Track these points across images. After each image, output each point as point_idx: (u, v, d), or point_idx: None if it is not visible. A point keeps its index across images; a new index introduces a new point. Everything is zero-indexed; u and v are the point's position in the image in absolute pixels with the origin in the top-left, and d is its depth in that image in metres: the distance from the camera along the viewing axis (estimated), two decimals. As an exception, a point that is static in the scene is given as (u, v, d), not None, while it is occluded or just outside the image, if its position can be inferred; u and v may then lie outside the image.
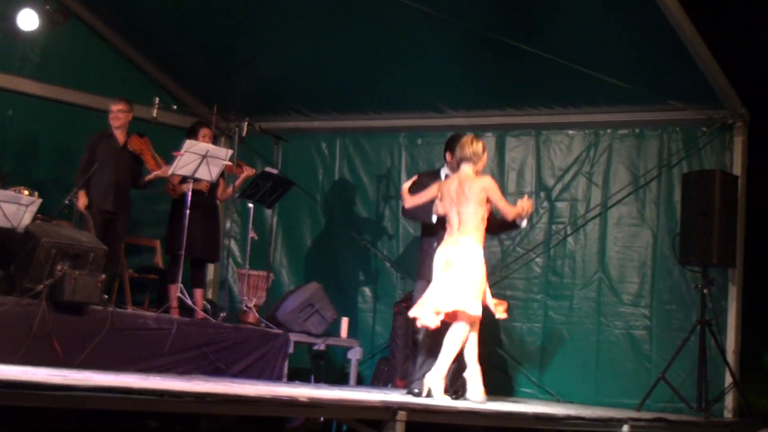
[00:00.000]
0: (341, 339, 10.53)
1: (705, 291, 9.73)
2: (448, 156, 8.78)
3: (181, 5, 11.08)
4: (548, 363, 10.79)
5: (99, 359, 8.17)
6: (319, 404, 6.24)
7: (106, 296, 8.75)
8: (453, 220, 8.01)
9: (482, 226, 8.03)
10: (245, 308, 10.40)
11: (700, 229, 9.71)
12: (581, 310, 10.75)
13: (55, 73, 11.35)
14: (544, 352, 10.81)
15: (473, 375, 7.94)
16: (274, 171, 10.58)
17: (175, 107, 11.43)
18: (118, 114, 10.09)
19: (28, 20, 10.63)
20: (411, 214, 8.88)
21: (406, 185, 8.46)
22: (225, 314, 10.16)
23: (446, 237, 8.03)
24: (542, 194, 11.10)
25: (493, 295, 8.22)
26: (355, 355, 10.49)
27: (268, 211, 11.03)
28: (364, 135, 11.79)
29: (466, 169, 8.09)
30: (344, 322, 10.55)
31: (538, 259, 11.03)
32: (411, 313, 7.98)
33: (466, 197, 7.97)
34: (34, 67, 11.18)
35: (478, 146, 8.08)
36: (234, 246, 11.84)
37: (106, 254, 8.69)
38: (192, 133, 10.36)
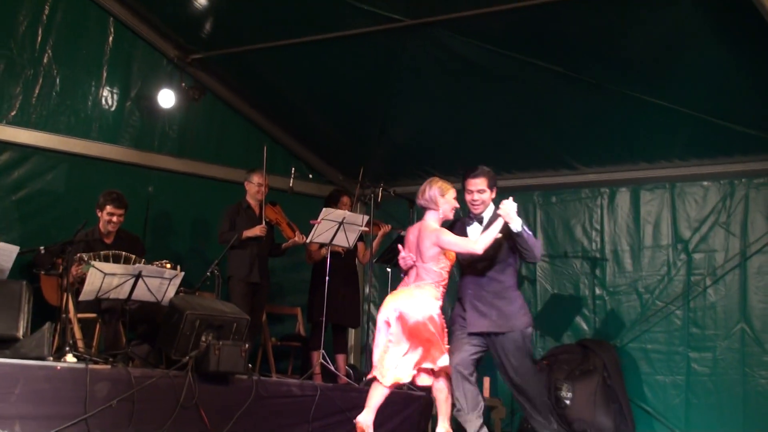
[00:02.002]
0: (484, 398, 10.16)
1: None
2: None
3: (314, 79, 11.17)
4: (694, 416, 10.35)
5: (245, 427, 8.17)
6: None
7: (250, 365, 8.64)
8: (411, 271, 7.49)
9: (441, 281, 7.45)
10: (388, 372, 10.17)
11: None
12: (725, 361, 10.28)
13: (192, 149, 11.48)
14: (688, 405, 10.37)
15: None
16: (409, 234, 10.44)
17: (310, 176, 11.72)
18: (260, 187, 10.18)
19: (165, 99, 10.92)
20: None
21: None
22: (367, 378, 9.86)
23: (400, 287, 7.56)
24: (679, 246, 10.67)
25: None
26: (498, 414, 10.35)
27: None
28: (498, 194, 11.40)
29: (427, 216, 7.54)
30: (486, 381, 10.39)
31: (678, 312, 10.58)
32: (386, 373, 7.58)
33: (420, 252, 7.42)
34: (173, 143, 11.33)
35: (432, 190, 7.49)
36: (374, 310, 11.61)
37: (248, 324, 8.66)
38: (333, 201, 10.41)
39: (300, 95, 11.58)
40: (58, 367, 7.18)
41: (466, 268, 7.72)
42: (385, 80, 10.70)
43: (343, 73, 10.89)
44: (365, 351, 11.49)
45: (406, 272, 7.57)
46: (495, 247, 7.36)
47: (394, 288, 10.27)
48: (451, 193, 7.55)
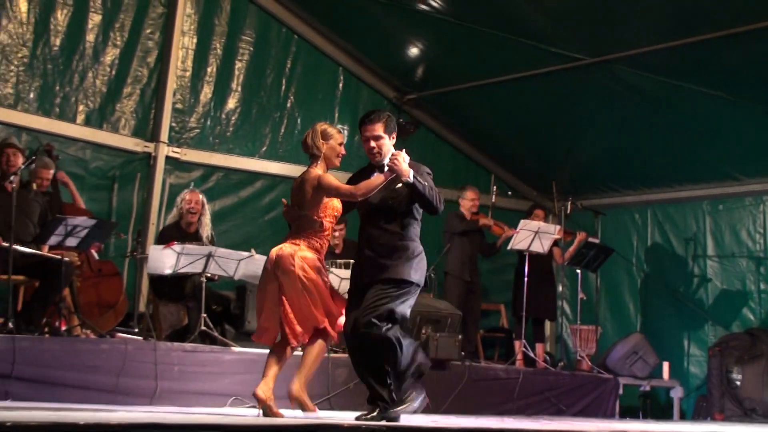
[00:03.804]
0: (664, 380, 10.61)
1: None
2: None
3: (510, 111, 11.61)
4: None
5: (461, 406, 8.60)
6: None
7: (463, 353, 9.14)
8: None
9: (323, 232, 6.24)
10: (579, 358, 10.65)
11: None
12: None
13: None
14: None
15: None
16: (596, 241, 10.89)
17: (509, 193, 12.09)
18: (475, 201, 10.62)
19: None
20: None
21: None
22: (563, 363, 10.51)
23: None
24: None
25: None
26: (676, 393, 10.57)
27: (593, 275, 11.26)
28: (671, 205, 11.79)
29: (311, 164, 6.27)
30: (666, 365, 10.60)
31: None
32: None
33: (300, 200, 6.21)
34: None
35: (315, 136, 6.23)
36: (566, 305, 12.02)
37: (461, 318, 9.16)
38: (529, 214, 10.81)
39: (499, 125, 11.97)
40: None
41: (363, 219, 6.18)
42: (570, 110, 10.98)
43: (535, 106, 11.23)
44: (560, 340, 11.92)
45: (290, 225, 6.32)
46: (394, 197, 5.98)
47: (583, 286, 10.95)
48: (336, 139, 6.27)
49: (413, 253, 6.05)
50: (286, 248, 6.14)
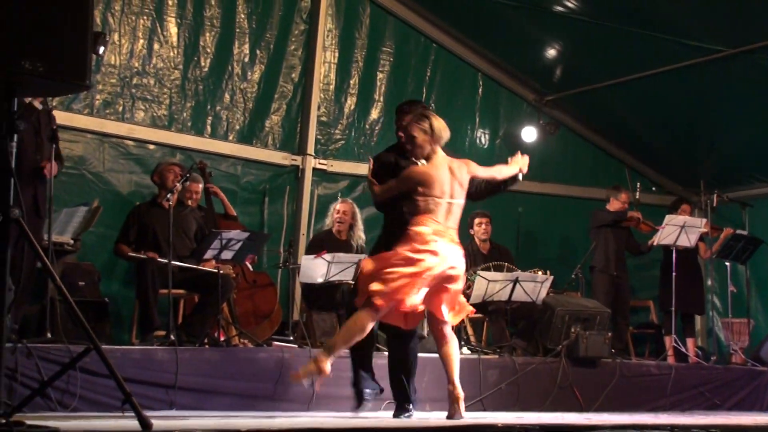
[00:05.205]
0: None
1: None
2: (416, 137, 6.07)
3: (651, 107, 11.33)
4: None
5: (613, 403, 8.50)
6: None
7: (613, 350, 9.00)
8: (440, 211, 5.89)
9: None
10: (732, 351, 10.40)
11: None
12: None
13: (552, 174, 11.83)
14: None
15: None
16: (744, 233, 10.57)
17: (654, 189, 11.90)
18: (626, 204, 10.51)
19: (529, 134, 11.39)
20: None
21: (370, 172, 6.32)
22: (715, 357, 10.21)
23: (437, 228, 5.85)
24: None
25: None
26: None
27: (742, 267, 10.89)
28: None
29: (441, 151, 6.09)
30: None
31: None
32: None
33: (461, 186, 6.03)
34: (535, 170, 10.91)
35: (438, 122, 6.06)
36: (716, 299, 11.74)
37: (609, 316, 9.03)
38: (674, 209, 10.63)
39: (640, 122, 11.71)
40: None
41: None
42: (712, 102, 10.69)
43: (676, 100, 10.96)
44: (711, 334, 11.54)
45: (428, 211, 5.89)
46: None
47: (733, 278, 10.61)
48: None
49: None
50: None
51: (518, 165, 6.30)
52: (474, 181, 6.17)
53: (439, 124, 6.04)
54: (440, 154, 6.03)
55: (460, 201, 6.00)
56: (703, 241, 10.69)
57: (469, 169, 6.08)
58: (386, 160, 6.40)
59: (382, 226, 6.57)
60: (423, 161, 6.04)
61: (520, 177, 6.34)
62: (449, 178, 5.96)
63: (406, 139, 6.09)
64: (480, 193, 6.38)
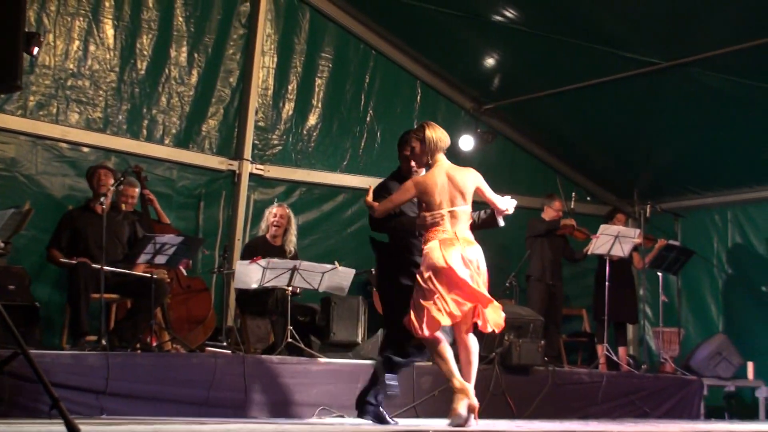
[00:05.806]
0: (748, 381, 10.44)
1: None
2: (414, 147, 6.32)
3: (587, 118, 11.46)
4: None
5: (545, 411, 8.54)
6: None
7: (546, 358, 9.06)
8: (445, 221, 6.04)
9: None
10: (662, 360, 10.48)
11: None
12: None
13: (489, 182, 11.37)
14: None
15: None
16: (676, 243, 10.70)
17: (588, 198, 11.92)
18: (560, 213, 10.64)
19: (466, 143, 11.29)
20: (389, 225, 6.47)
21: (370, 196, 6.33)
22: (646, 366, 10.32)
23: (442, 237, 6.04)
24: None
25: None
26: (762, 393, 10.32)
27: (674, 277, 11.02)
28: (751, 205, 11.56)
29: (443, 159, 6.25)
30: (750, 365, 10.43)
31: None
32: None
33: (462, 193, 6.17)
34: None
35: (438, 132, 6.23)
36: (648, 308, 11.84)
37: (543, 324, 9.08)
38: (608, 219, 10.73)
39: (576, 132, 11.81)
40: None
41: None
42: (648, 114, 10.76)
43: (612, 111, 11.07)
44: (643, 343, 11.65)
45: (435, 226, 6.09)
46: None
47: (665, 288, 10.73)
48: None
49: None
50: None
51: (507, 204, 6.42)
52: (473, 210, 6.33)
53: (432, 134, 6.18)
54: (441, 163, 6.19)
55: (463, 207, 6.14)
56: (637, 251, 10.78)
57: (475, 179, 6.28)
58: (390, 186, 6.49)
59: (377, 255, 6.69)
60: (423, 171, 6.23)
61: (501, 222, 6.51)
62: (447, 184, 6.09)
63: (410, 154, 6.36)
64: (474, 225, 6.41)
